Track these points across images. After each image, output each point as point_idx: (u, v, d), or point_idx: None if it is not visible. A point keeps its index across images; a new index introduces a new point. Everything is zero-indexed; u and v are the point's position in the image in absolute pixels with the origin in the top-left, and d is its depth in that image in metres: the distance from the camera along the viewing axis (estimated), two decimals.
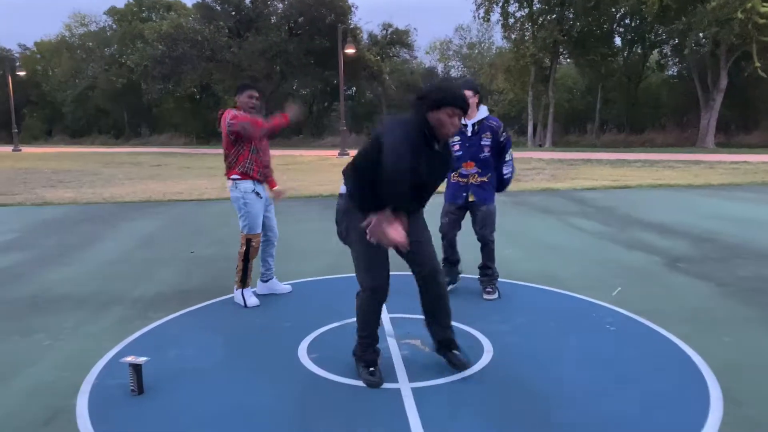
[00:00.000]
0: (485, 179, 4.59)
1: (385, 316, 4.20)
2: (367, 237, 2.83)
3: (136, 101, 50.61)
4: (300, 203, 10.64)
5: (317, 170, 18.60)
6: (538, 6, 35.07)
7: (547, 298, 4.73)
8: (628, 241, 6.92)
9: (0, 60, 53.96)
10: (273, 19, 39.99)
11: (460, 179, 4.60)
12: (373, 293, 3.09)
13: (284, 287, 4.96)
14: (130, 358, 3.10)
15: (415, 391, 3.02)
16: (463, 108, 2.92)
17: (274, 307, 4.56)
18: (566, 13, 33.88)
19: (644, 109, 40.60)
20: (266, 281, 4.88)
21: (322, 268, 5.71)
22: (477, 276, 4.84)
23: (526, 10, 35.35)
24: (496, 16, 35.82)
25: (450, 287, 4.69)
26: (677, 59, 38.98)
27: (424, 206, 3.23)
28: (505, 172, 4.66)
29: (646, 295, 4.71)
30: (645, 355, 3.50)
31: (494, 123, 4.55)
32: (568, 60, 40.58)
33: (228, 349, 3.68)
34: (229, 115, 4.44)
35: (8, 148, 38.76)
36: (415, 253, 3.12)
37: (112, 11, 55.45)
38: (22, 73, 47.81)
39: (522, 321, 4.15)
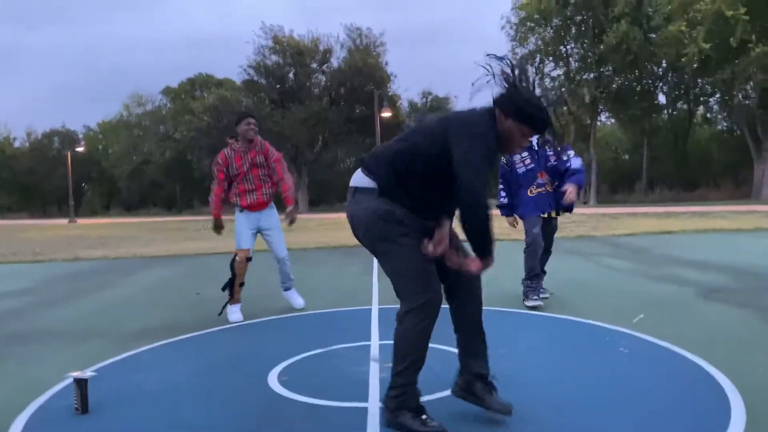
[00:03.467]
0: (555, 186, 4.87)
1: (375, 342, 3.88)
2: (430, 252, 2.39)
3: (187, 174, 52.64)
4: (324, 252, 10.45)
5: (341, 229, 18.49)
6: (575, 65, 35.18)
7: (557, 324, 4.30)
8: (660, 276, 6.38)
9: (61, 139, 57.54)
10: (315, 91, 41.43)
11: (540, 189, 4.85)
12: (431, 308, 2.36)
13: (298, 302, 5.25)
14: (75, 373, 2.86)
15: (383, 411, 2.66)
16: (542, 134, 2.59)
17: (255, 337, 4.31)
18: (603, 70, 33.81)
19: (694, 166, 39.52)
20: (285, 290, 5.32)
21: (318, 305, 5.43)
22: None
23: (563, 69, 35.46)
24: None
25: (541, 301, 4.82)
26: (725, 113, 38.09)
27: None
28: (572, 162, 4.78)
29: (671, 321, 4.23)
30: (658, 373, 3.06)
31: (549, 137, 4.72)
32: (610, 120, 40.20)
33: (195, 374, 3.42)
34: (217, 157, 5.05)
35: (64, 220, 40.49)
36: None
37: (166, 90, 58.81)
38: (80, 149, 50.63)
39: (523, 345, 3.74)
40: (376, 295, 5.84)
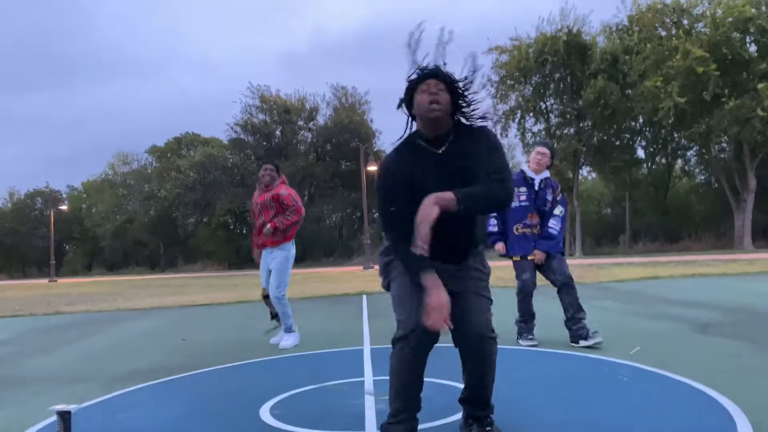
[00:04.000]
0: (539, 233, 4.77)
1: (369, 378, 3.78)
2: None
3: (171, 232, 52.26)
4: (312, 301, 10.30)
5: (339, 281, 18.34)
6: (555, 120, 36.06)
7: (555, 357, 4.24)
8: (653, 314, 6.35)
9: (44, 199, 57.13)
10: (301, 148, 41.92)
11: (525, 230, 4.73)
12: (412, 338, 2.25)
13: (284, 343, 5.26)
14: (58, 407, 2.73)
15: None
16: (430, 73, 2.26)
17: (245, 376, 4.17)
18: (583, 125, 34.66)
19: (676, 218, 40.06)
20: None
21: (308, 347, 5.31)
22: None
23: (544, 124, 36.31)
24: (513, 131, 36.82)
25: (536, 341, 4.75)
26: (702, 166, 39.02)
27: (465, 251, 2.43)
28: (551, 224, 4.71)
29: (669, 352, 4.19)
30: (661, 398, 2.99)
31: (554, 182, 4.90)
32: (592, 173, 40.96)
33: (185, 410, 3.29)
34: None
35: (44, 280, 39.71)
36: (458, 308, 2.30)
37: (152, 149, 59.02)
38: (64, 207, 50.19)
39: (519, 376, 3.66)
40: (368, 335, 5.74)
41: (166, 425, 2.97)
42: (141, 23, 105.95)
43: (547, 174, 4.81)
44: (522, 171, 4.85)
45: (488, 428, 2.42)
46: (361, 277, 19.36)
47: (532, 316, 4.86)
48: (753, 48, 27.66)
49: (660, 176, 41.27)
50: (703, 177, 42.24)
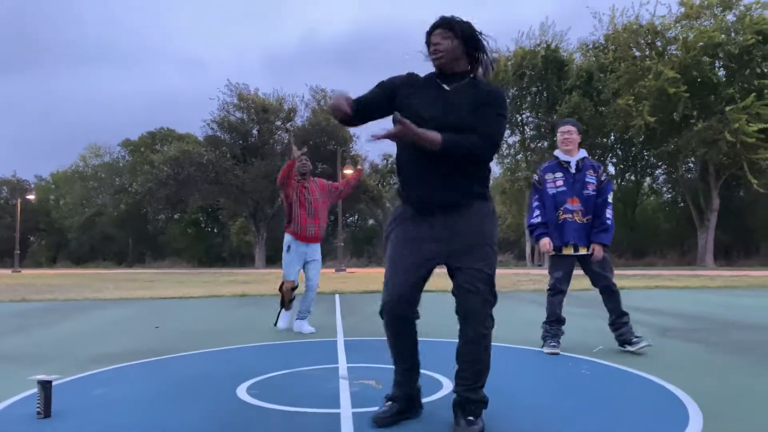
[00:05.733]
0: (587, 220, 4.38)
1: (343, 364, 3.89)
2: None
3: (141, 228, 51.55)
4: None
5: None
6: (530, 133, 36.66)
7: (523, 353, 4.41)
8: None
9: (11, 188, 55.82)
10: (278, 148, 41.79)
11: (566, 215, 4.38)
12: (385, 309, 2.46)
13: (308, 328, 5.54)
14: (40, 377, 2.80)
15: (356, 416, 2.69)
16: (437, 23, 2.46)
17: (221, 361, 4.25)
18: (556, 139, 35.28)
19: (642, 234, 41.00)
20: (297, 319, 5.61)
21: (282, 337, 5.40)
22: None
23: (519, 137, 36.90)
24: None
25: (559, 349, 4.35)
26: (669, 185, 40.03)
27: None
28: (607, 215, 4.37)
29: (629, 353, 4.38)
30: (618, 388, 3.18)
31: (596, 163, 4.55)
32: None
33: (162, 388, 3.36)
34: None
35: (7, 270, 38.80)
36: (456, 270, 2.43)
37: (126, 143, 58.20)
38: (31, 197, 49.16)
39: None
40: (341, 328, 5.85)
41: (143, 401, 3.04)
42: (127, 13, 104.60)
43: (583, 154, 4.49)
44: (555, 156, 4.55)
45: (470, 417, 2.40)
46: (334, 279, 19.42)
47: (560, 320, 4.49)
48: (722, 73, 28.56)
49: (629, 193, 42.24)
50: (669, 195, 43.40)
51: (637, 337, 4.34)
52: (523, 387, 3.26)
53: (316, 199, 5.50)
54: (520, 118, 36.70)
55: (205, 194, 39.63)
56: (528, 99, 35.87)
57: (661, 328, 5.73)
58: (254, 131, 42.36)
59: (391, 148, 70.50)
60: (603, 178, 4.46)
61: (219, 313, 7.74)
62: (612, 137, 35.53)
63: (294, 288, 5.56)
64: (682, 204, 38.29)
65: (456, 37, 2.43)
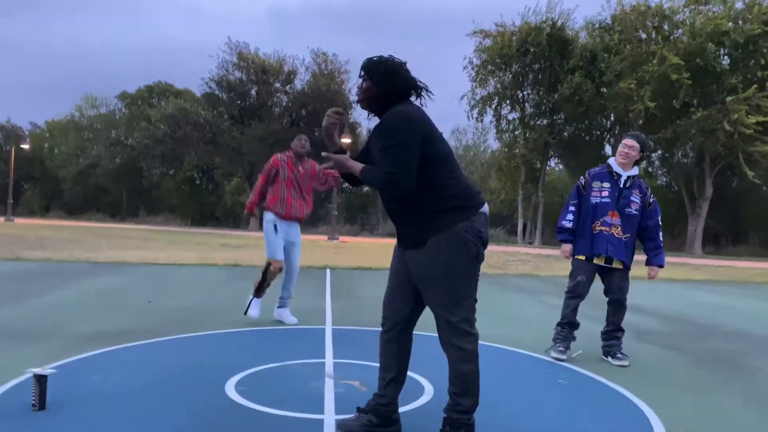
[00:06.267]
0: (626, 237, 4.37)
1: (329, 360, 4.02)
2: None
3: (136, 182, 51.42)
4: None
5: (304, 249, 18.43)
6: (530, 110, 36.52)
7: (503, 354, 4.55)
8: (598, 317, 6.70)
9: (5, 134, 55.35)
10: (276, 110, 41.48)
11: (603, 228, 4.36)
12: (384, 331, 2.73)
13: (291, 318, 5.42)
14: (35, 369, 2.90)
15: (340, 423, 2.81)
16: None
17: (212, 348, 4.37)
18: (556, 118, 35.24)
19: None
20: (279, 307, 5.48)
21: (272, 321, 5.53)
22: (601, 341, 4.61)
23: (519, 114, 36.78)
24: (489, 117, 37.24)
25: (566, 355, 4.43)
26: (665, 169, 40.14)
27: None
28: (660, 237, 4.49)
29: (607, 362, 4.53)
30: (593, 405, 3.32)
31: (644, 184, 4.52)
32: (559, 165, 41.75)
33: (153, 379, 3.48)
34: (271, 159, 5.39)
35: (1, 219, 38.78)
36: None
37: (123, 96, 57.61)
38: (26, 146, 48.82)
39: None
40: (330, 315, 5.98)
41: (135, 392, 3.16)
42: None
43: (635, 171, 4.45)
44: (608, 164, 4.51)
45: (448, 427, 2.54)
46: (326, 248, 19.58)
47: (573, 324, 4.49)
48: (726, 61, 28.42)
49: None
50: (664, 180, 43.55)
51: (622, 354, 4.42)
52: (492, 391, 3.40)
53: (305, 182, 5.37)
54: (521, 94, 36.51)
55: (201, 154, 39.46)
56: (530, 76, 35.62)
57: (642, 331, 5.91)
58: (253, 92, 41.96)
59: None
60: (651, 200, 4.48)
61: (211, 288, 7.86)
62: (612, 118, 35.45)
63: (281, 269, 5.28)
64: (676, 189, 38.48)
65: (371, 80, 2.56)
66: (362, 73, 2.60)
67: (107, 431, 2.61)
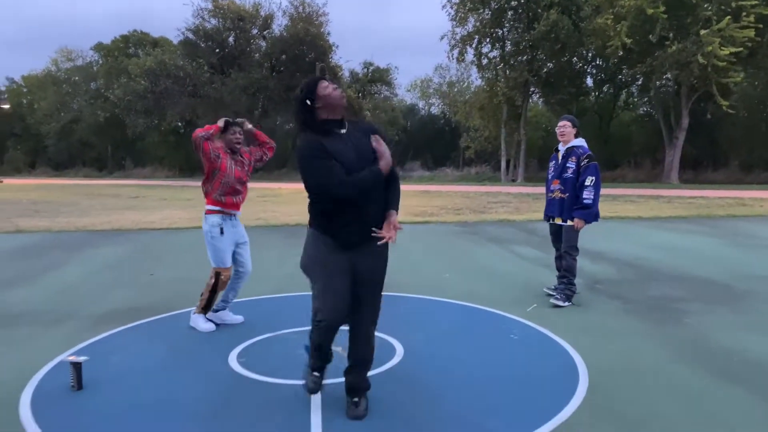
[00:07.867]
0: (564, 196, 5.40)
1: None
2: None
3: (120, 134, 51.13)
4: (266, 231, 11.08)
5: (291, 202, 19.09)
6: (510, 48, 36.42)
7: (466, 312, 5.22)
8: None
9: None
10: (256, 56, 41.00)
11: (552, 194, 5.56)
12: (322, 323, 3.05)
13: (235, 317, 4.94)
14: (71, 357, 3.53)
15: (324, 387, 3.45)
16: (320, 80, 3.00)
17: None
18: (536, 55, 35.23)
19: (616, 146, 41.93)
20: (217, 311, 4.85)
21: (269, 290, 6.15)
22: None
23: (499, 51, 36.67)
24: (470, 56, 37.12)
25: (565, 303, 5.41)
26: (645, 99, 40.47)
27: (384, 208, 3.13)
28: (584, 195, 5.28)
29: (557, 311, 5.22)
30: (535, 357, 4.01)
31: (580, 151, 5.41)
32: (540, 100, 41.94)
33: (165, 356, 4.11)
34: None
35: None
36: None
37: (98, 47, 56.38)
38: (6, 107, 48.16)
39: (435, 330, 4.64)
40: None
41: (151, 369, 3.80)
42: None
43: (576, 143, 5.42)
44: (556, 147, 5.63)
45: (355, 399, 3.18)
46: (303, 201, 20.08)
47: (561, 276, 5.52)
48: None
49: (605, 106, 42.72)
50: (644, 109, 43.99)
51: (560, 295, 5.43)
52: (446, 349, 4.07)
53: (247, 167, 4.83)
54: (501, 32, 36.30)
55: (183, 107, 39.26)
56: (509, 13, 35.35)
57: (594, 279, 6.61)
58: (230, 40, 41.34)
59: (372, 56, 68.31)
60: (583, 163, 5.30)
61: (205, 257, 8.43)
62: (591, 53, 35.50)
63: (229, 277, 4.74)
64: (656, 116, 38.99)
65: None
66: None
67: (142, 403, 3.25)
